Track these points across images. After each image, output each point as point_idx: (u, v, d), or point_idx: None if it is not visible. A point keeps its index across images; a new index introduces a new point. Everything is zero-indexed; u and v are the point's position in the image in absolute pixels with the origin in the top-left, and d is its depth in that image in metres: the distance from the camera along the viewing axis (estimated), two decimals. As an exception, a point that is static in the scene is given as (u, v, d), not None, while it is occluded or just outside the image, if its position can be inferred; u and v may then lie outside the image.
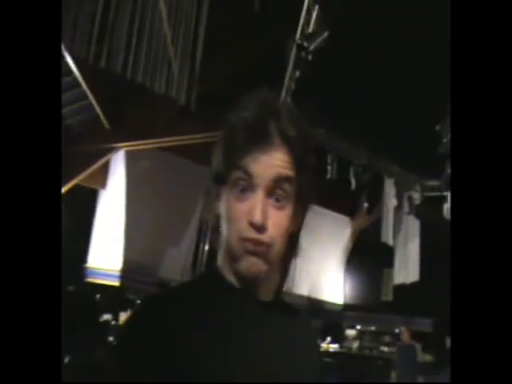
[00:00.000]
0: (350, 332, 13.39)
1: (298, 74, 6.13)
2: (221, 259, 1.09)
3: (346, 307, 13.05)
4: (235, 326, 1.04)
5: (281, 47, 6.13)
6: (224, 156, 1.04)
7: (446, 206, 8.33)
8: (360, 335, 13.43)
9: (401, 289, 9.64)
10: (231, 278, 1.07)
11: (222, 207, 1.05)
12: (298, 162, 1.03)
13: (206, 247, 9.07)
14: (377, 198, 8.47)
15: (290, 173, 1.02)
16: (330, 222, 11.79)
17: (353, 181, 7.50)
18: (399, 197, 8.66)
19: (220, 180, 1.05)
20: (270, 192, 1.01)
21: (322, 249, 11.78)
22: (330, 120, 7.01)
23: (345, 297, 13.14)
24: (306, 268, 9.25)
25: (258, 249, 1.01)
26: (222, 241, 1.06)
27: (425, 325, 12.35)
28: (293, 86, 6.07)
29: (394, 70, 6.54)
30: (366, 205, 8.12)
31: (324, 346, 12.26)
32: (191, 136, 7.96)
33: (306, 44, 5.79)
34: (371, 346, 13.25)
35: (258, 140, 1.01)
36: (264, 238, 1.01)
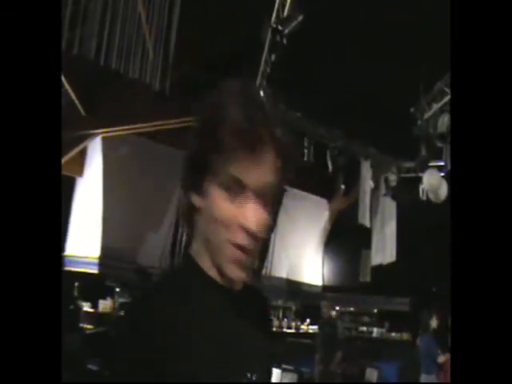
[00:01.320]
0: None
1: (273, 57, 6.12)
2: (198, 250, 1.12)
3: (325, 289, 13.17)
4: (211, 315, 1.09)
5: (256, 31, 6.11)
6: (210, 155, 1.03)
7: (422, 187, 8.42)
8: (339, 316, 13.59)
9: (378, 270, 9.73)
10: (212, 272, 1.10)
11: (207, 203, 1.06)
12: (284, 164, 1.06)
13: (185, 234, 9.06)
14: (353, 181, 8.53)
15: (277, 178, 1.05)
16: (308, 204, 11.85)
17: (330, 164, 7.54)
18: (376, 179, 8.72)
19: (200, 172, 1.06)
20: (259, 196, 1.04)
21: (301, 231, 11.85)
22: (305, 103, 7.03)
23: (323, 278, 13.25)
24: (285, 251, 9.32)
25: (246, 257, 1.05)
26: (205, 237, 1.09)
27: (402, 304, 12.56)
28: (268, 69, 6.06)
29: (368, 53, 6.56)
30: (342, 187, 8.17)
31: (303, 327, 12.38)
32: (168, 121, 7.92)
33: (280, 28, 5.78)
34: (350, 327, 13.41)
35: (250, 145, 1.01)
36: (253, 243, 1.05)
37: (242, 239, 1.04)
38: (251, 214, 1.03)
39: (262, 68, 6.28)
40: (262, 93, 1.17)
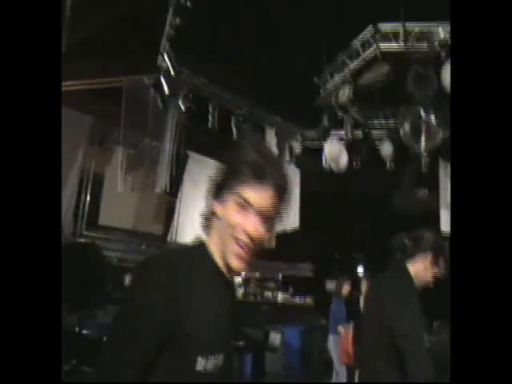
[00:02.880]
0: (235, 279, 13.66)
1: (178, 20, 6.05)
2: (212, 244, 1.61)
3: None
4: (211, 293, 1.55)
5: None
6: (229, 186, 1.55)
7: (324, 155, 8.65)
8: (245, 282, 13.76)
9: (282, 236, 9.92)
10: (220, 261, 1.59)
11: (224, 211, 1.57)
12: (282, 195, 1.58)
13: (88, 198, 8.89)
14: (258, 148, 8.60)
15: (276, 204, 1.57)
16: (212, 171, 11.80)
17: (234, 130, 7.58)
18: (280, 146, 8.85)
19: (225, 190, 1.57)
20: (260, 214, 1.54)
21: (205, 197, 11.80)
22: (210, 69, 7.01)
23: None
24: (190, 217, 9.30)
25: (245, 254, 1.54)
26: (219, 234, 1.58)
27: (305, 270, 12.90)
28: (172, 32, 5.99)
29: (274, 21, 6.60)
30: (246, 154, 8.23)
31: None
32: (72, 82, 7.67)
33: (185, -10, 5.71)
34: (256, 293, 13.64)
35: (258, 180, 1.53)
36: (251, 245, 1.54)
37: (242, 237, 1.53)
38: (252, 223, 1.53)
39: (166, 31, 6.19)
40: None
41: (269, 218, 1.56)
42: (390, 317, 3.08)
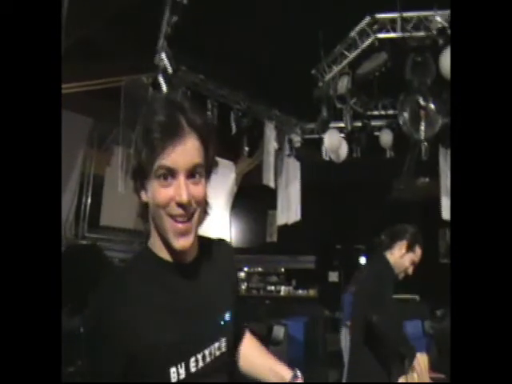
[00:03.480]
0: (238, 274, 13.72)
1: (174, 18, 6.03)
2: (153, 240, 1.41)
3: (234, 250, 13.31)
4: (171, 287, 1.38)
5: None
6: (145, 155, 1.29)
7: (324, 148, 8.65)
8: (248, 277, 13.81)
9: (284, 229, 9.94)
10: (163, 253, 1.39)
11: (149, 194, 1.33)
12: (205, 144, 1.34)
13: (89, 200, 8.89)
14: (258, 142, 8.62)
15: (201, 158, 1.33)
16: (215, 166, 11.80)
17: (233, 125, 7.57)
18: (280, 140, 8.85)
19: (142, 174, 1.32)
20: (188, 175, 1.30)
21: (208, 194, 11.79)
22: (208, 65, 7.00)
23: (231, 240, 13.39)
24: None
25: (185, 228, 1.32)
26: (154, 222, 1.37)
27: (308, 262, 12.94)
28: (169, 30, 5.97)
29: (271, 15, 6.59)
30: (246, 149, 8.24)
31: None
32: (69, 85, 7.65)
33: (180, -13, 5.68)
34: (258, 287, 13.70)
35: (174, 135, 1.28)
36: (189, 211, 1.31)
37: (176, 210, 1.30)
38: (183, 191, 1.28)
39: (163, 29, 6.17)
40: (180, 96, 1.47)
41: (197, 172, 1.32)
42: (365, 301, 3.47)
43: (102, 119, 8.08)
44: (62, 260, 1.25)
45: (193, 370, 1.33)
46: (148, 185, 1.32)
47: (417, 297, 10.46)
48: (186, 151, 1.28)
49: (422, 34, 6.19)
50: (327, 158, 8.77)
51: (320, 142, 8.68)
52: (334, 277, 12.72)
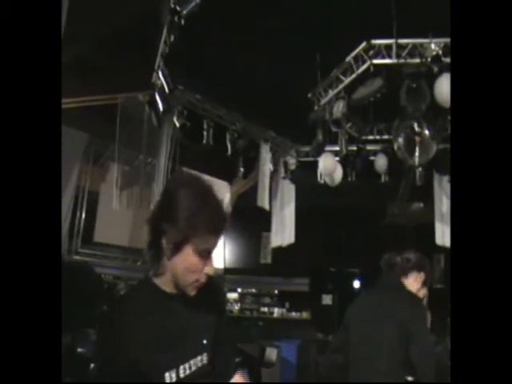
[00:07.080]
0: (232, 295, 13.66)
1: (172, 38, 6.08)
2: (163, 281, 1.77)
3: (227, 271, 13.28)
4: (170, 315, 1.76)
5: (154, 11, 6.03)
6: (185, 237, 1.70)
7: (319, 171, 8.67)
8: (241, 298, 13.75)
9: (278, 251, 9.92)
10: (167, 287, 1.77)
11: (179, 256, 1.70)
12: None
13: (83, 215, 8.87)
14: (253, 164, 8.64)
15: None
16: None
17: (229, 146, 7.60)
18: (275, 162, 8.88)
19: (174, 243, 1.70)
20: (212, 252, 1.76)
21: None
22: (204, 86, 7.04)
23: (225, 261, 13.34)
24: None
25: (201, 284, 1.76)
26: (174, 274, 1.73)
27: (302, 285, 12.90)
28: (167, 49, 6.02)
29: (266, 36, 6.64)
30: (241, 170, 8.26)
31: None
32: (66, 100, 7.69)
33: (179, 8, 5.73)
34: (252, 308, 13.63)
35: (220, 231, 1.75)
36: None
37: (202, 278, 1.74)
38: (210, 265, 1.74)
39: (161, 48, 6.22)
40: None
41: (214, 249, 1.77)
42: (406, 328, 3.14)
43: (98, 135, 8.10)
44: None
45: (181, 375, 1.71)
46: (179, 247, 1.70)
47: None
48: (219, 238, 1.76)
49: (416, 60, 6.24)
50: (322, 182, 8.79)
51: (315, 165, 8.69)
52: (327, 300, 12.67)
